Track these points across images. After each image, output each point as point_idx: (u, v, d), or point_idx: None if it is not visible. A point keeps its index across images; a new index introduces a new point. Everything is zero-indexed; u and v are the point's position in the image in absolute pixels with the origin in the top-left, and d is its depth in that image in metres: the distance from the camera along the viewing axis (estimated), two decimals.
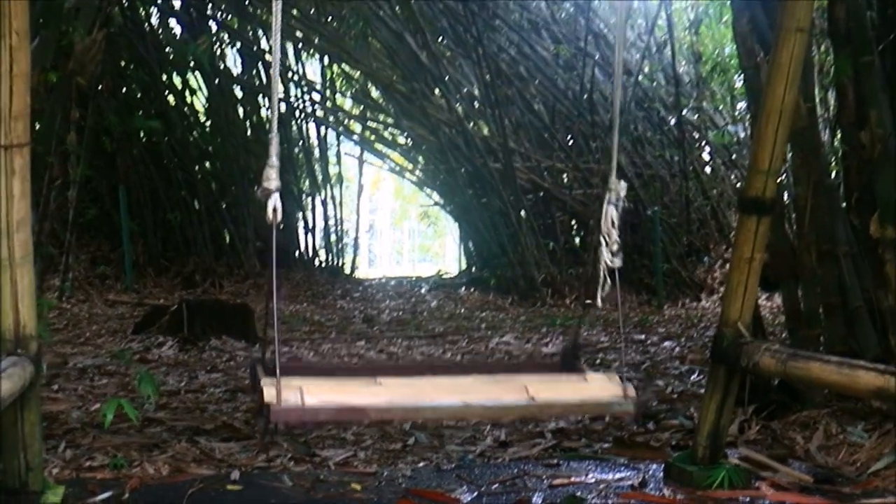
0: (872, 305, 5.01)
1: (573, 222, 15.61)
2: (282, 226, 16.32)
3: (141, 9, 13.98)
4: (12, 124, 3.19)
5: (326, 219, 16.60)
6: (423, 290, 16.02)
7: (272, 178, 3.08)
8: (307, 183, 16.73)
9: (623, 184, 3.61)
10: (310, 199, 16.77)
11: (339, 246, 17.26)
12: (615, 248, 3.49)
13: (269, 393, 3.07)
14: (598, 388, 3.48)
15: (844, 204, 5.32)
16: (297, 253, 16.22)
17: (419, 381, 3.52)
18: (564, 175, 15.49)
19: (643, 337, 9.96)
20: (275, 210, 3.12)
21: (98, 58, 7.33)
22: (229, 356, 8.19)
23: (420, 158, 16.67)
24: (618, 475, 4.26)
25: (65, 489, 3.62)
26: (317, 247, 16.55)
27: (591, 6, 15.36)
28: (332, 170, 17.04)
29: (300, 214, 16.51)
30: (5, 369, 3.02)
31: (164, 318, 8.87)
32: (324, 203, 16.75)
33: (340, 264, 17.15)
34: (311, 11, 14.50)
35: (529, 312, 12.83)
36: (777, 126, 3.62)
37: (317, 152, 16.92)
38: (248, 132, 15.22)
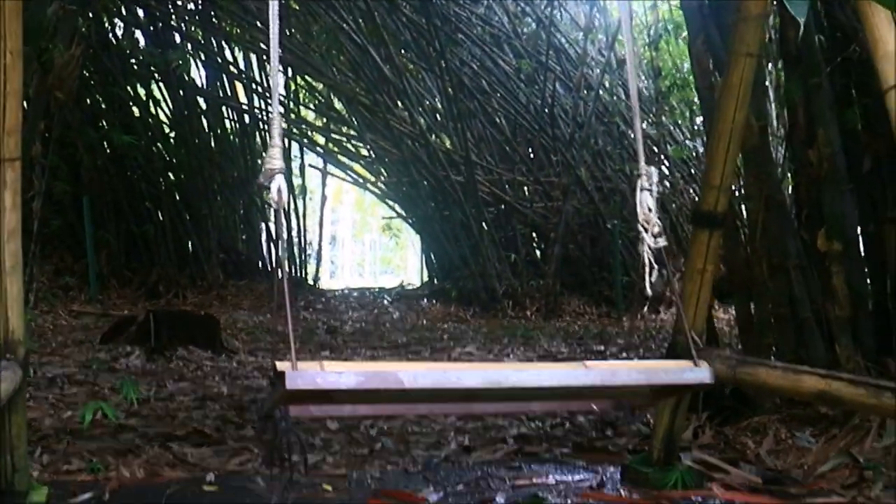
0: (820, 316, 5.22)
1: (534, 235, 15.80)
2: (245, 236, 16.45)
3: (105, 20, 14.04)
4: (5, 139, 3.34)
5: (290, 230, 16.69)
6: (385, 302, 16.16)
7: (276, 158, 2.96)
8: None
9: (653, 169, 3.56)
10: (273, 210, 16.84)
11: (303, 257, 17.36)
12: (656, 230, 3.45)
13: (282, 364, 2.87)
14: (660, 363, 3.52)
15: (795, 220, 5.54)
16: (260, 264, 16.30)
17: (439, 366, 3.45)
18: (525, 188, 15.69)
19: (602, 348, 10.16)
20: (279, 191, 3.00)
21: (76, 73, 7.45)
22: (196, 366, 8.30)
23: (383, 170, 16.81)
24: (577, 477, 4.45)
25: (48, 490, 3.76)
26: (280, 257, 16.64)
27: (552, 21, 15.60)
28: (296, 181, 17.14)
29: (264, 225, 16.59)
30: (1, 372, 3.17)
31: (130, 329, 8.95)
32: (287, 214, 16.82)
33: (303, 275, 17.24)
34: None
35: (491, 324, 13.01)
36: (728, 144, 3.83)
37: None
38: (213, 144, 15.31)
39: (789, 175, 5.97)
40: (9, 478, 3.58)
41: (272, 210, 2.94)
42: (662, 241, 3.51)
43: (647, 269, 3.52)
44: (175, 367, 8.26)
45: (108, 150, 14.20)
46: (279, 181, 2.98)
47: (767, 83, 6.73)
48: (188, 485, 4.16)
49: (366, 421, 6.01)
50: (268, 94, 15.76)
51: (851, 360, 4.85)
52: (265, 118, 15.99)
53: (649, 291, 3.62)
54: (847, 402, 3.20)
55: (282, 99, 16.22)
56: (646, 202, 3.52)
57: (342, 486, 4.23)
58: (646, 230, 3.48)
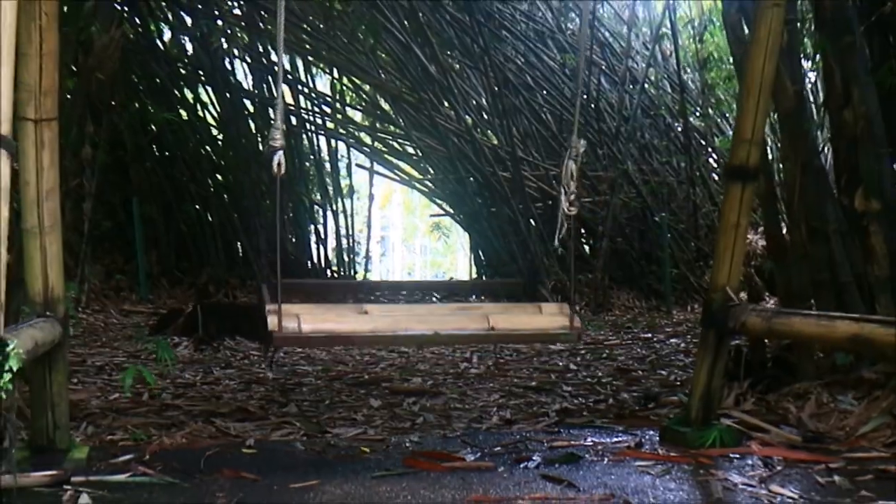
0: (862, 281, 5.17)
1: (582, 230, 15.76)
2: (293, 238, 16.53)
3: (152, 25, 14.22)
4: (42, 100, 3.41)
5: (338, 230, 16.76)
6: (434, 299, 16.18)
7: (277, 138, 3.50)
8: (318, 195, 16.89)
9: (582, 141, 4.02)
10: (321, 210, 16.90)
11: (351, 256, 17.43)
12: (572, 197, 3.86)
13: (272, 321, 3.69)
14: (548, 319, 3.93)
15: (834, 186, 5.49)
16: (309, 264, 16.36)
17: (399, 309, 4.27)
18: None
19: (650, 335, 10.13)
20: (279, 164, 3.62)
21: (116, 55, 7.54)
22: (243, 355, 8.39)
23: (430, 168, 16.83)
24: (615, 439, 4.45)
25: (89, 449, 3.82)
26: (329, 258, 16.71)
27: (596, 16, 15.57)
28: (343, 182, 17.22)
29: (312, 226, 16.66)
30: (37, 323, 3.22)
31: (179, 320, 9.05)
32: (335, 215, 16.92)
33: (353, 275, 17.30)
34: (321, 26, 14.75)
35: None
36: (758, 97, 3.82)
37: (328, 165, 17.11)
38: (260, 145, 15.41)
39: (828, 143, 5.92)
40: (50, 435, 3.64)
41: (275, 181, 3.55)
42: (575, 210, 3.99)
43: (558, 227, 3.97)
44: (223, 356, 8.35)
45: (156, 153, 14.35)
46: (279, 157, 3.63)
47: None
48: (227, 448, 4.20)
49: (409, 398, 6.06)
50: (312, 96, 15.94)
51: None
52: (311, 119, 16.14)
53: (557, 244, 4.29)
54: (879, 345, 3.17)
55: (328, 99, 16.34)
56: (570, 169, 3.97)
57: (381, 449, 4.25)
58: (565, 194, 3.90)
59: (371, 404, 5.82)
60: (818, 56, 6.01)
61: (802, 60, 6.30)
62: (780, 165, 5.77)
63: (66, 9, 5.70)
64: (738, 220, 3.97)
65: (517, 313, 4.09)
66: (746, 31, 5.44)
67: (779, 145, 5.66)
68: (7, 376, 2.68)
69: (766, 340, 5.37)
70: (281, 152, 3.54)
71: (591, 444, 4.32)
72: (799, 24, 5.64)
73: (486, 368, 7.71)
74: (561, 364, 7.97)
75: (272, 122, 3.55)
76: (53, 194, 3.48)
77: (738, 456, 4.00)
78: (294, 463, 3.99)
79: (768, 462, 3.86)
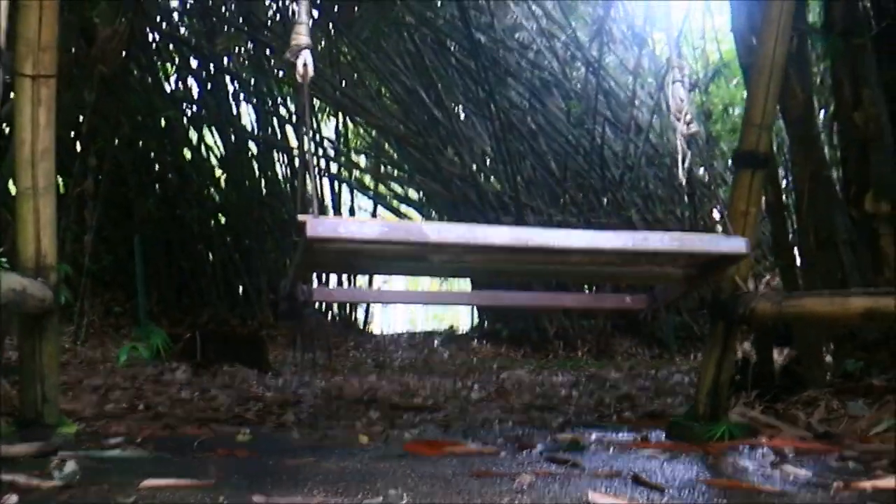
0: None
1: None
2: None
3: (158, 64, 14.27)
4: (40, 55, 3.33)
5: (339, 273, 16.65)
6: (435, 343, 16.07)
7: (302, 34, 3.06)
8: None
9: (684, 62, 3.63)
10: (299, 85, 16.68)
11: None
12: (688, 118, 3.50)
13: (304, 217, 2.90)
14: (693, 234, 3.43)
15: (843, 196, 5.43)
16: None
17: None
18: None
19: (653, 371, 10.02)
20: (305, 65, 3.11)
21: (120, 49, 7.49)
22: (242, 379, 8.27)
23: (433, 213, 16.79)
24: (621, 435, 4.34)
25: (77, 426, 3.71)
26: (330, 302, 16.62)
27: (601, 65, 15.58)
28: None
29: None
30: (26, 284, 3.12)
31: (178, 346, 8.95)
32: None
33: (353, 318, 17.18)
34: (329, 71, 14.83)
35: (541, 362, 12.87)
36: (769, 81, 3.75)
37: (331, 209, 17.06)
38: (263, 186, 15.38)
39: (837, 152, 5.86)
40: (39, 408, 3.53)
41: (299, 85, 3.09)
42: (694, 127, 3.57)
43: (680, 156, 3.52)
44: (220, 380, 8.23)
45: (159, 191, 14.32)
46: (305, 55, 3.08)
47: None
48: (222, 436, 4.09)
49: (409, 412, 5.95)
50: (317, 138, 15.94)
51: None
52: (315, 161, 16.10)
53: (682, 178, 3.64)
54: (894, 315, 3.07)
55: (332, 142, 16.35)
56: (678, 93, 3.54)
57: (379, 439, 4.14)
58: (678, 119, 3.48)
59: (371, 416, 5.71)
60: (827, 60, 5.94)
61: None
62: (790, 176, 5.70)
63: None
64: (748, 208, 3.89)
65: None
66: (754, 41, 5.42)
67: (786, 157, 5.57)
68: None
69: (773, 355, 5.28)
70: (307, 51, 3.09)
71: (595, 438, 4.20)
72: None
73: (488, 394, 7.59)
74: (563, 392, 7.85)
75: (295, 19, 3.14)
76: (49, 155, 3.39)
77: (748, 447, 3.88)
78: (290, 448, 3.88)
79: (780, 451, 3.74)
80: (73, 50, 6.64)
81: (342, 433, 4.29)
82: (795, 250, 5.43)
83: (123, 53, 8.06)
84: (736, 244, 3.25)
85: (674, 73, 3.51)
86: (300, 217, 2.86)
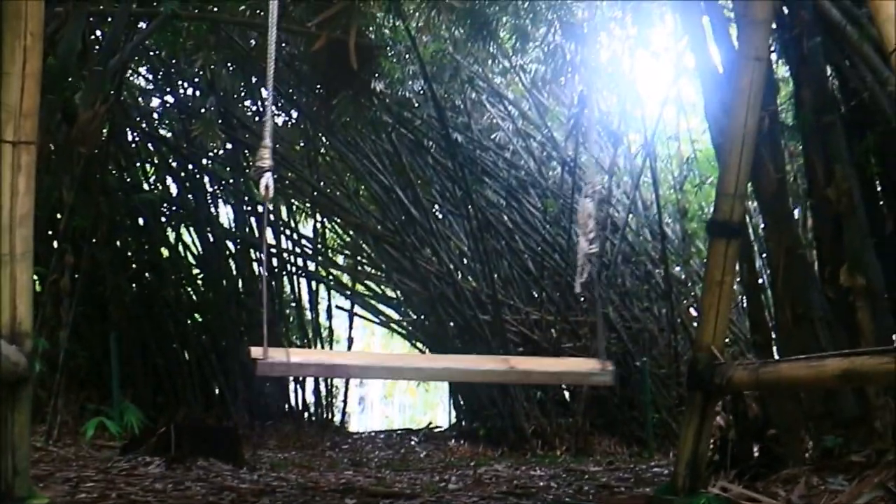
0: None
1: None
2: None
3: (139, 171, 14.40)
4: (21, 121, 3.36)
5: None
6: (412, 442, 15.95)
7: (265, 158, 3.32)
8: (298, 337, 16.79)
9: (598, 179, 3.84)
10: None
11: (329, 400, 17.22)
12: (591, 235, 3.70)
13: (255, 351, 3.28)
14: (576, 362, 3.70)
15: (818, 276, 5.47)
16: (287, 406, 16.17)
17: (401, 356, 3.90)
18: (553, 328, 15.57)
19: (632, 465, 9.98)
20: (267, 187, 3.31)
21: (100, 131, 7.53)
22: (216, 474, 8.18)
23: (410, 311, 16.80)
24: None
25: (49, 499, 3.66)
26: (307, 401, 16.53)
27: (577, 164, 15.74)
28: (324, 324, 17.13)
29: None
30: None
31: (151, 440, 8.87)
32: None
33: (330, 417, 17.08)
34: (307, 171, 14.97)
35: (519, 461, 12.79)
36: (741, 149, 3.82)
37: (307, 309, 17.04)
38: (240, 285, 15.39)
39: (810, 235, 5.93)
40: (9, 481, 3.48)
41: (262, 205, 3.32)
42: (595, 248, 3.94)
43: (579, 269, 3.81)
44: (195, 474, 8.14)
45: (135, 290, 14.29)
46: (267, 178, 3.48)
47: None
48: None
49: (385, 500, 5.89)
50: (294, 237, 16.00)
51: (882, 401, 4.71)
52: (293, 260, 16.15)
53: (578, 289, 3.89)
54: (872, 376, 3.08)
55: (309, 243, 16.41)
56: (586, 209, 3.76)
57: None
58: (583, 234, 3.79)
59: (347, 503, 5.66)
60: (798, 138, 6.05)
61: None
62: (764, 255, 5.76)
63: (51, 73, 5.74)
64: (723, 278, 3.92)
65: (540, 359, 3.96)
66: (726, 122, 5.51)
67: (760, 233, 5.63)
68: None
69: (751, 434, 5.27)
70: (269, 173, 3.34)
71: None
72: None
73: (465, 485, 7.53)
74: (542, 483, 7.80)
75: (261, 142, 3.34)
76: (27, 221, 3.39)
77: None
78: None
79: None
80: (51, 129, 6.70)
81: None
82: (771, 327, 5.45)
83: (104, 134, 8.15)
84: (603, 378, 3.84)
85: (586, 188, 3.82)
86: (252, 351, 3.53)
